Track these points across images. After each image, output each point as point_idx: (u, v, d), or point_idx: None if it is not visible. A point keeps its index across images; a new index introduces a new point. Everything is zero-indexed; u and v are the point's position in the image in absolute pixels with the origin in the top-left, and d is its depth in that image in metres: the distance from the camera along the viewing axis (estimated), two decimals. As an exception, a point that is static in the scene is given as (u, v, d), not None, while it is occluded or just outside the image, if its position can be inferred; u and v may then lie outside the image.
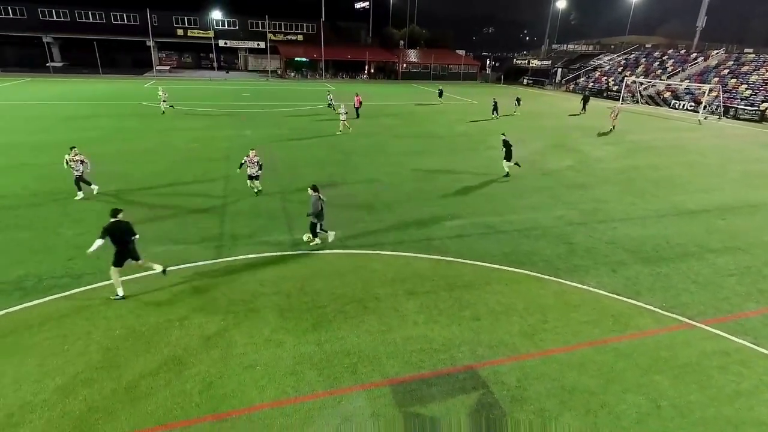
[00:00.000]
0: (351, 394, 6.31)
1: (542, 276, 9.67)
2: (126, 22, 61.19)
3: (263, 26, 65.60)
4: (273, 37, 66.50)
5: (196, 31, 64.04)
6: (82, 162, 12.53)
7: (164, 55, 67.46)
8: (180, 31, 63.51)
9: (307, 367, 6.75)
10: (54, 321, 7.49)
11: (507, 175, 16.84)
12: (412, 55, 71.85)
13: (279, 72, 64.33)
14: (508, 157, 16.61)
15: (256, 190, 13.70)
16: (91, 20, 59.58)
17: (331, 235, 10.53)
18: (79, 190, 12.80)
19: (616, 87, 49.95)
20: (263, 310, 8.05)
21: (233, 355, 6.92)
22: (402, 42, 76.66)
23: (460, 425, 5.86)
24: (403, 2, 78.38)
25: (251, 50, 67.76)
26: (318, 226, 10.33)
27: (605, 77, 54.61)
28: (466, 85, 64.68)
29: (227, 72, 64.43)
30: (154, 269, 8.47)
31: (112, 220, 7.92)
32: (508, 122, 30.33)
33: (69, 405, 5.89)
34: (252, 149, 13.60)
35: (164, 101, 28.27)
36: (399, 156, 19.58)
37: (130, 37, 60.83)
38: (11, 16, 56.19)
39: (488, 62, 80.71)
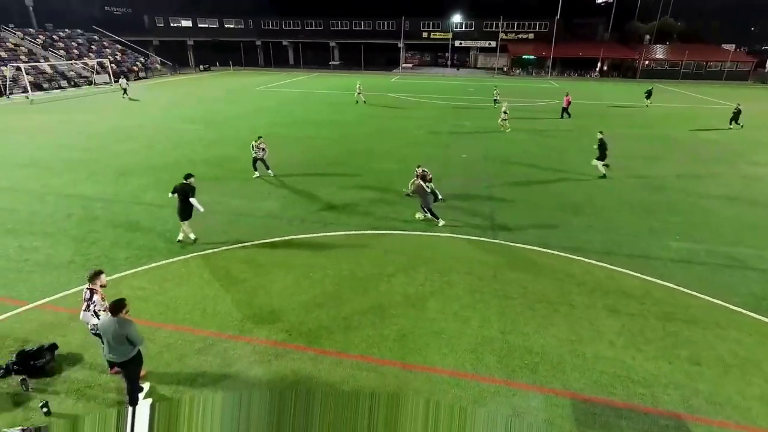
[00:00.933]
0: (527, 392, 5.79)
1: (813, 338, 6.75)
2: (385, 28, 69.30)
3: (496, 26, 64.37)
4: (504, 36, 64.67)
5: (438, 33, 67.62)
6: (263, 149, 13.68)
7: (409, 54, 73.86)
8: (424, 34, 68.23)
9: (488, 351, 6.50)
10: (308, 251, 9.25)
11: (604, 176, 14.36)
12: (658, 51, 59.04)
13: (504, 69, 62.50)
14: (601, 157, 14.29)
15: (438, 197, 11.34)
16: (362, 28, 69.70)
17: (441, 222, 10.53)
18: (256, 170, 13.80)
19: None
20: (456, 286, 8.11)
21: (425, 318, 7.21)
22: (648, 37, 63.69)
23: (652, 475, 4.68)
24: (657, -8, 64.55)
25: (482, 49, 67.69)
26: (426, 207, 10.55)
27: None
28: (730, 86, 49.67)
29: (458, 69, 66.28)
30: (189, 236, 9.33)
31: (182, 182, 8.91)
32: (789, 134, 21.95)
33: (306, 317, 7.22)
34: (418, 166, 11.12)
35: (359, 93, 29.64)
36: (623, 159, 16.56)
37: (386, 41, 68.70)
38: (313, 28, 70.70)
39: (770, 58, 59.68)
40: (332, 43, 70.18)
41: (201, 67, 59.87)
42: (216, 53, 64.35)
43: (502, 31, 64.45)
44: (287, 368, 6.13)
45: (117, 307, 4.97)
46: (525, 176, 14.61)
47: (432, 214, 10.66)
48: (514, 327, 7.01)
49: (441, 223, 10.54)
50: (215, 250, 9.26)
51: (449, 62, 69.89)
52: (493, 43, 64.31)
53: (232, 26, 70.48)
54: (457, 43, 66.17)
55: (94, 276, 5.50)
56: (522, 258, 9.11)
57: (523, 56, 61.18)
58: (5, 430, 4.83)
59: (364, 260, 8.97)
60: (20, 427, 4.76)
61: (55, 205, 11.55)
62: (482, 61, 69.56)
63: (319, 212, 11.38)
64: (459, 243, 9.77)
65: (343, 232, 10.19)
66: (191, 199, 8.93)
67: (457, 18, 65.86)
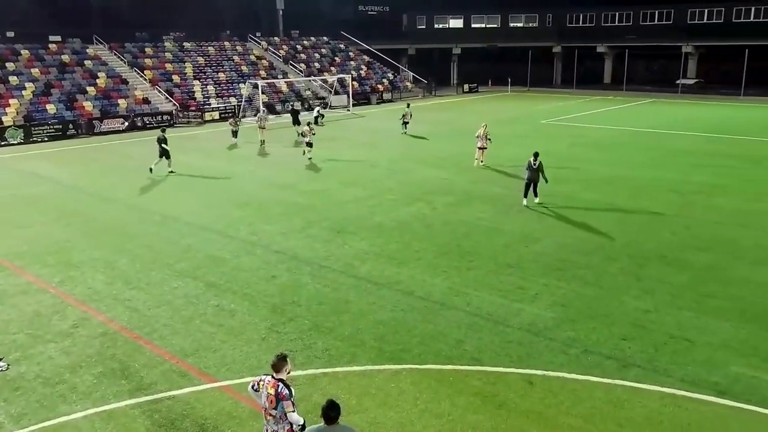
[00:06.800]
0: None
1: None
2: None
3: None
4: None
5: None
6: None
7: None
8: None
9: None
10: (588, 407, 9.05)
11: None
12: None
13: None
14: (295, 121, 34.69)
15: None
16: (749, 19, 63.97)
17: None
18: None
19: None
20: None
21: None
22: None
23: None
24: None
25: None
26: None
27: None
28: None
29: None
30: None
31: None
32: None
33: None
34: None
35: None
36: None
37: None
38: (655, 22, 70.56)
39: None
40: (687, 48, 68.22)
41: (466, 86, 68.90)
42: (488, 67, 72.82)
43: None
44: None
45: (334, 413, 5.93)
46: None
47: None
48: None
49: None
50: (441, 366, 10.25)
51: None
52: None
53: (519, 25, 78.91)
54: None
55: (282, 362, 6.73)
56: None
57: None
58: None
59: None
60: None
61: (261, 260, 15.36)
62: None
63: (620, 340, 11.14)
64: None
65: (672, 391, 9.58)
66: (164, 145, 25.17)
67: None
